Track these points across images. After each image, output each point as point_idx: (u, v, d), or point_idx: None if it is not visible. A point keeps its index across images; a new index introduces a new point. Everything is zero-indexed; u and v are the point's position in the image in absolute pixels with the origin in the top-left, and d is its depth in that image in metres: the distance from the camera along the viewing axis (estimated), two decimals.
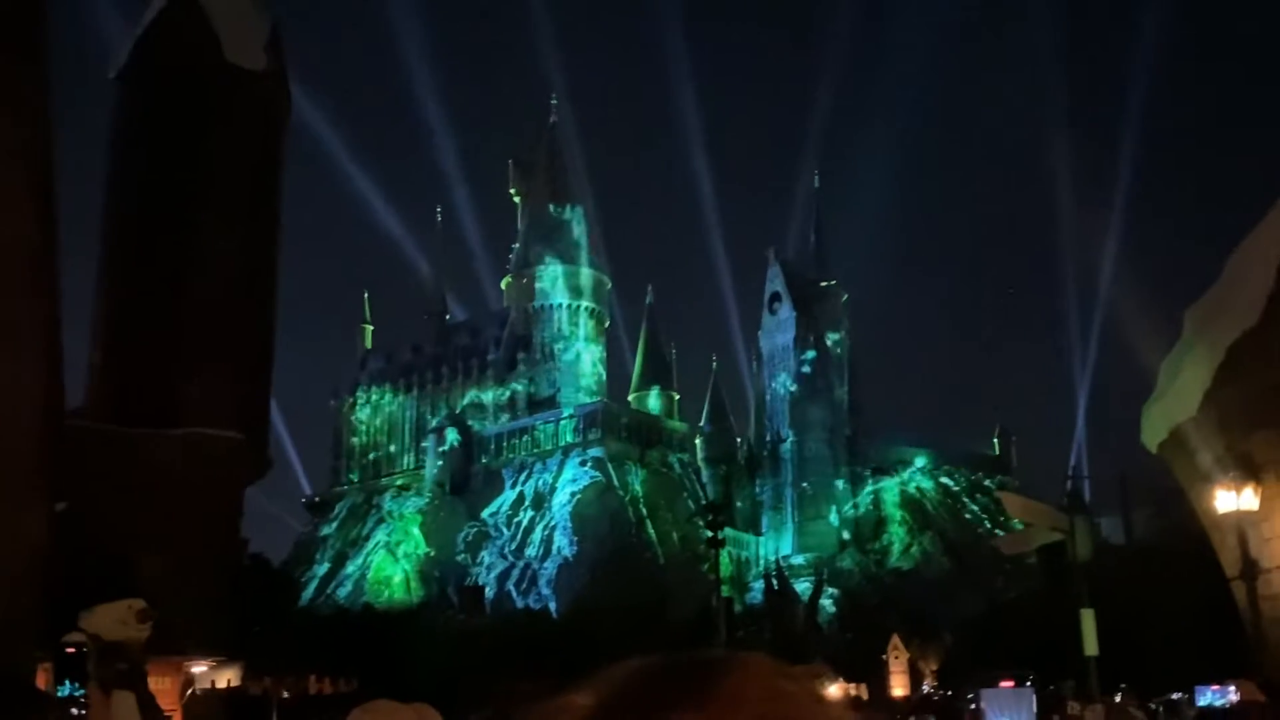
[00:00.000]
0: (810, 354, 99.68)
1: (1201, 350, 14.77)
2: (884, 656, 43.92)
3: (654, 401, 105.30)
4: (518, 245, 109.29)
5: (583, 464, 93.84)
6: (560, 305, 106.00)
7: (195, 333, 23.20)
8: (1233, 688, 17.05)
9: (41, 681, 13.41)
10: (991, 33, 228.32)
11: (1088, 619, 17.16)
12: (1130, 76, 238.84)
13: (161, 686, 16.28)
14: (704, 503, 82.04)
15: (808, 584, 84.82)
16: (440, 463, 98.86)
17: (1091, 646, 17.18)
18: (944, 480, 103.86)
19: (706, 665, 0.80)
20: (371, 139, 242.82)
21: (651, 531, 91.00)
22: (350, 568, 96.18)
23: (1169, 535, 34.67)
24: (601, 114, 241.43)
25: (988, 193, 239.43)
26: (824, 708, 0.79)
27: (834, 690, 30.35)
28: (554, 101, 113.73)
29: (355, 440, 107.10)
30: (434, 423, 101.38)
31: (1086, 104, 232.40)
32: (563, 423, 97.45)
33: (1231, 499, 15.24)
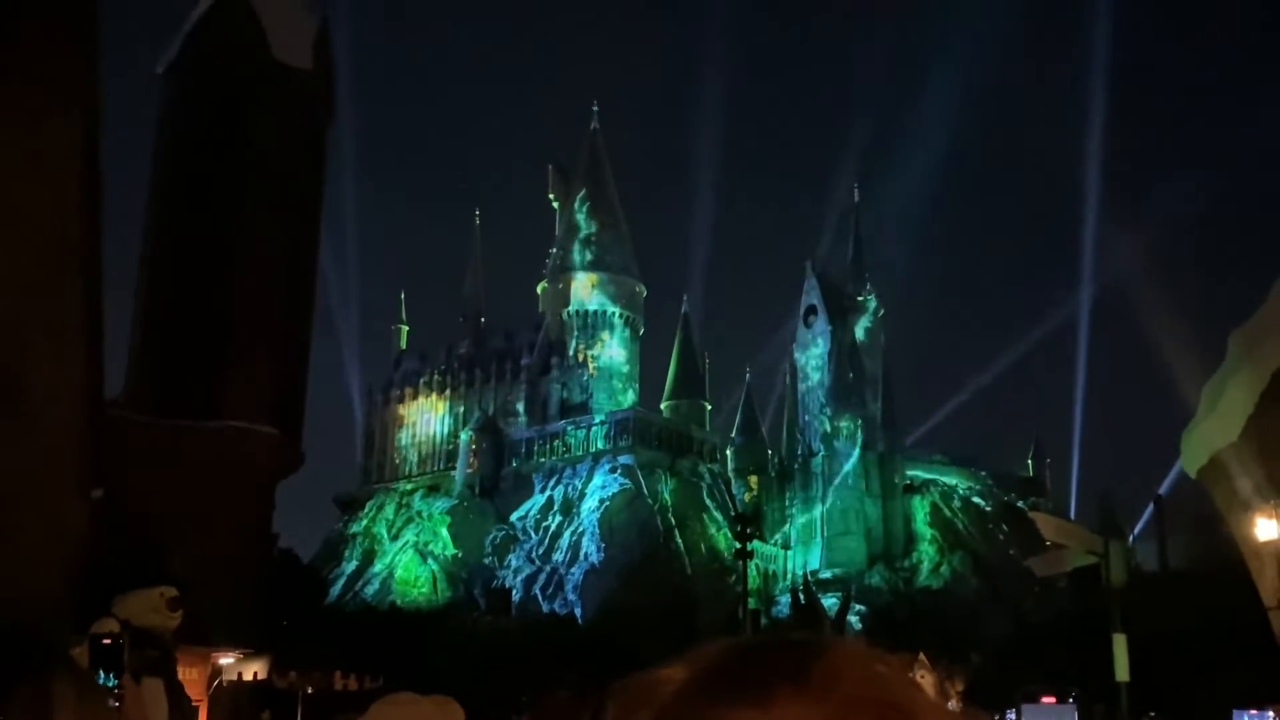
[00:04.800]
0: (844, 368, 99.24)
1: (1246, 374, 14.55)
2: (910, 675, 43.58)
3: (686, 411, 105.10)
4: (555, 250, 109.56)
5: (613, 471, 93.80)
6: (595, 312, 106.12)
7: (234, 327, 23.38)
8: (1271, 713, 16.77)
9: None
10: (1034, 46, 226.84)
11: (1120, 644, 16.94)
12: (1172, 101, 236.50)
13: (190, 676, 16.39)
14: (733, 514, 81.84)
15: (835, 599, 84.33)
16: (470, 465, 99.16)
17: (1123, 672, 16.95)
18: (976, 500, 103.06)
19: (803, 644, 0.79)
20: (412, 140, 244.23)
21: (679, 541, 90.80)
22: (378, 566, 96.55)
23: (1204, 561, 34.25)
24: (641, 123, 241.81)
25: (1028, 210, 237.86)
26: (917, 692, 0.78)
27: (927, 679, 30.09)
28: (595, 109, 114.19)
29: (387, 439, 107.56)
30: (466, 425, 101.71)
31: (1127, 123, 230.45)
32: (594, 429, 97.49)
33: (1272, 527, 14.98)
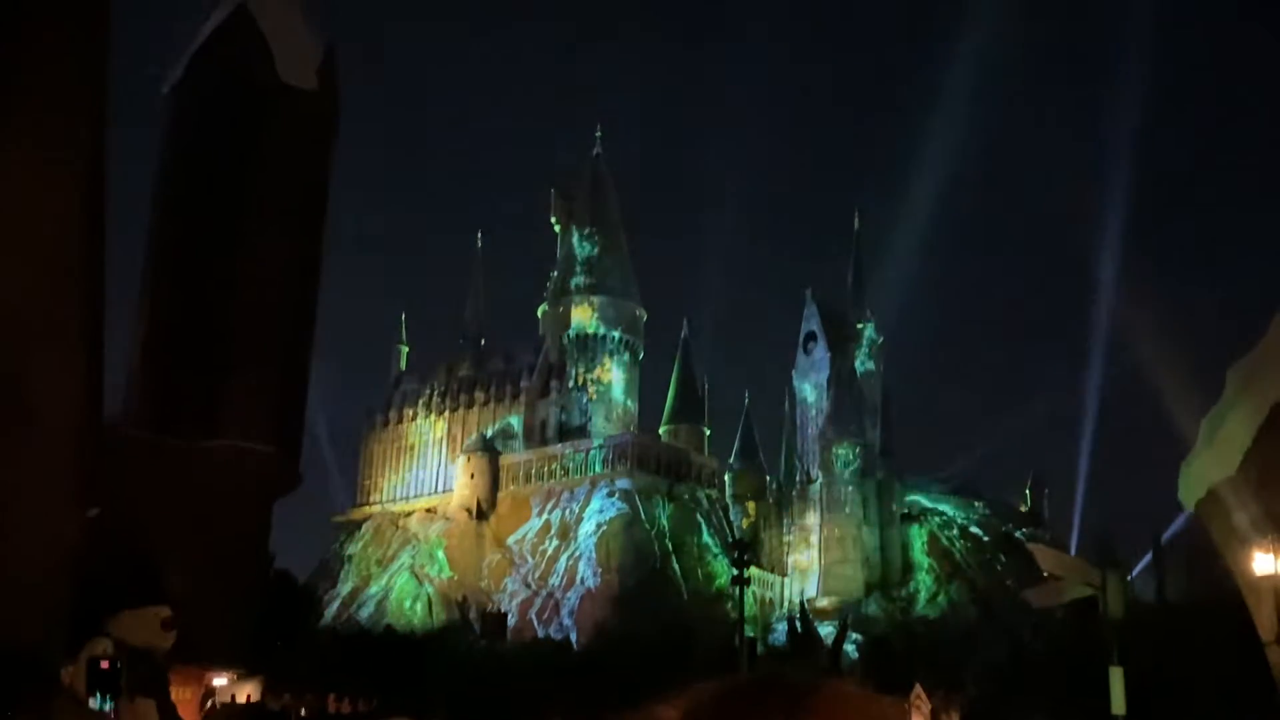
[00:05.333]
0: (843, 395, 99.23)
1: (1244, 408, 14.58)
2: (906, 705, 43.39)
3: (685, 436, 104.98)
4: (555, 273, 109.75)
5: (610, 495, 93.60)
6: (595, 335, 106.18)
7: (234, 346, 23.40)
8: None
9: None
10: (1042, 77, 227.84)
11: (1116, 677, 16.89)
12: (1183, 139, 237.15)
13: (182, 697, 16.33)
14: (731, 540, 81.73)
15: (832, 628, 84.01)
16: (468, 487, 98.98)
17: (1119, 705, 16.90)
18: (974, 530, 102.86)
19: (797, 685, 0.78)
20: (415, 160, 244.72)
21: (676, 566, 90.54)
22: (374, 588, 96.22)
23: (1202, 595, 34.16)
24: (643, 145, 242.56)
25: (1030, 239, 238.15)
26: None
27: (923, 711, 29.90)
28: (598, 134, 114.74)
29: (384, 460, 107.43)
30: (464, 446, 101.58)
31: (1140, 144, 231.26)
32: (592, 453, 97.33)
33: (1269, 562, 14.97)
